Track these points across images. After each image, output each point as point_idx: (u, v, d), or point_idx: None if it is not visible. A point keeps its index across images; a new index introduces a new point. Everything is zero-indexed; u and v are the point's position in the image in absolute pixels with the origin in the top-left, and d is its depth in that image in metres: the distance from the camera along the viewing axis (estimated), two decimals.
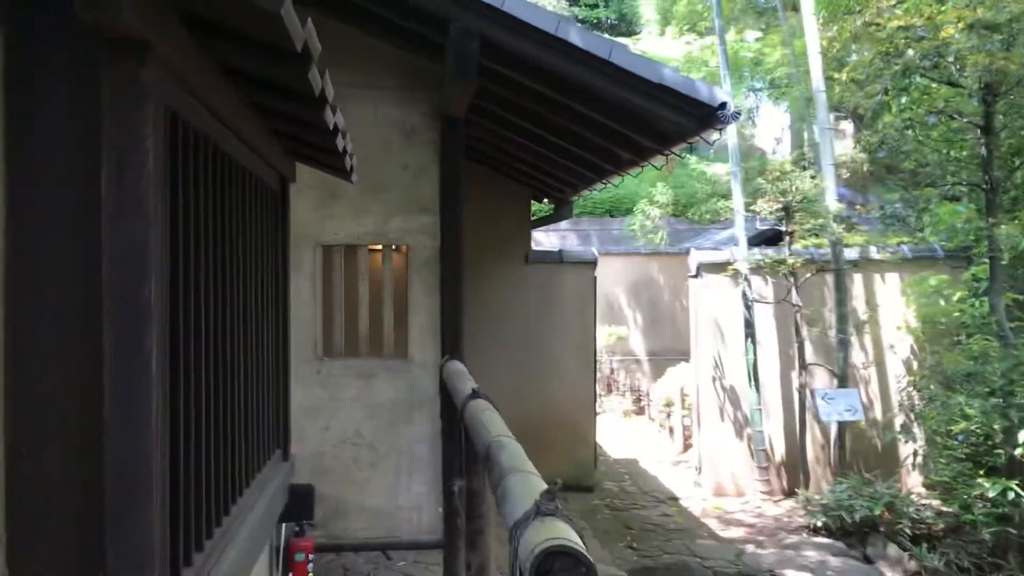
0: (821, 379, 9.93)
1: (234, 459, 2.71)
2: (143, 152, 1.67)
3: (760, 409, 9.90)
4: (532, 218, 11.10)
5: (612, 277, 18.13)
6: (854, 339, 9.90)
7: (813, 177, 10.15)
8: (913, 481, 9.55)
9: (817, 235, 9.64)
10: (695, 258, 10.41)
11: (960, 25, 7.84)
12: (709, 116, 4.99)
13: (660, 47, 23.56)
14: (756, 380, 9.88)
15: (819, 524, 8.43)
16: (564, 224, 20.39)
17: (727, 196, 11.06)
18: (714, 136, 5.42)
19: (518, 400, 9.81)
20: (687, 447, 12.43)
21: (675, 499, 10.00)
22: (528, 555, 1.50)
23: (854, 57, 11.09)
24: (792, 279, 9.72)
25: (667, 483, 10.80)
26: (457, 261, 5.83)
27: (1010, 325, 8.65)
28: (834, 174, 10.21)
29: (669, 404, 14.07)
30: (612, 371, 18.15)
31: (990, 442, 7.77)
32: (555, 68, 5.03)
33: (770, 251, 10.25)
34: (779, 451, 10.13)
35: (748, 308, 9.91)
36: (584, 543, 1.60)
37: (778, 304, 10.05)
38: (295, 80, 2.06)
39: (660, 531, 8.54)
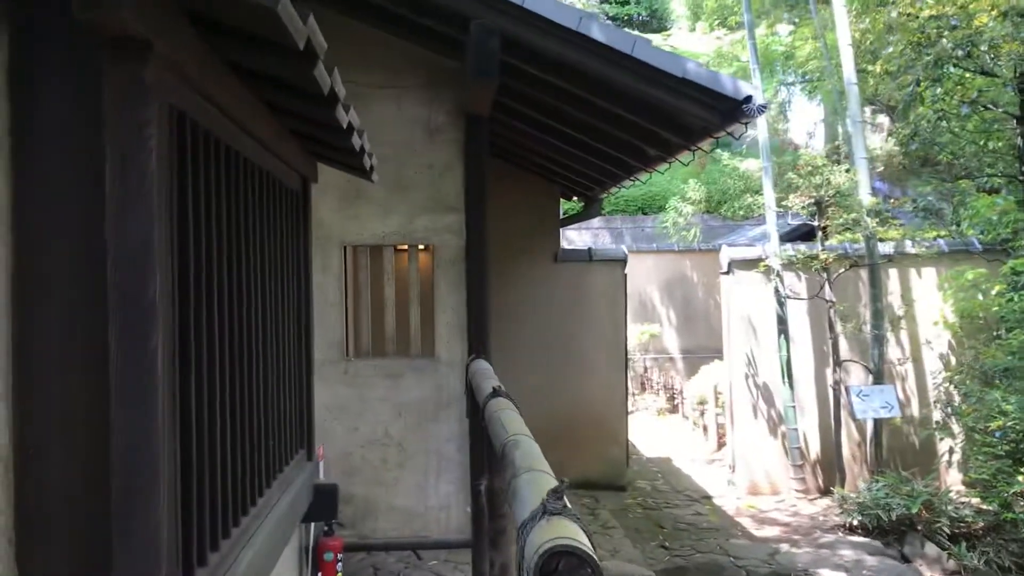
0: (856, 375, 9.79)
1: (253, 459, 2.71)
2: (146, 152, 1.67)
3: (794, 406, 9.78)
4: (562, 216, 11.07)
5: (645, 275, 18.04)
6: (890, 335, 9.75)
7: (847, 171, 10.02)
8: (952, 478, 9.39)
9: (850, 230, 9.50)
10: (726, 255, 10.31)
11: (993, 13, 7.69)
12: (734, 110, 4.92)
13: (691, 43, 23.42)
14: (790, 377, 9.76)
15: (855, 523, 8.31)
16: (596, 222, 20.36)
17: (760, 192, 10.95)
18: (740, 130, 5.35)
19: (549, 399, 9.80)
20: (721, 445, 12.32)
21: (708, 498, 9.92)
22: (533, 555, 1.48)
23: (889, 49, 10.92)
24: (825, 275, 9.59)
25: (701, 482, 10.72)
26: (482, 259, 5.82)
27: None
28: (869, 167, 10.07)
29: (703, 402, 13.97)
30: (646, 369, 18.05)
31: None
32: (578, 64, 5.00)
33: (802, 246, 10.12)
34: (814, 449, 10.00)
35: (781, 304, 9.80)
36: (591, 542, 1.58)
37: (811, 300, 9.93)
38: (302, 79, 2.05)
39: (693, 530, 8.47)
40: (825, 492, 9.81)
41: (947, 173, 10.17)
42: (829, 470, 9.85)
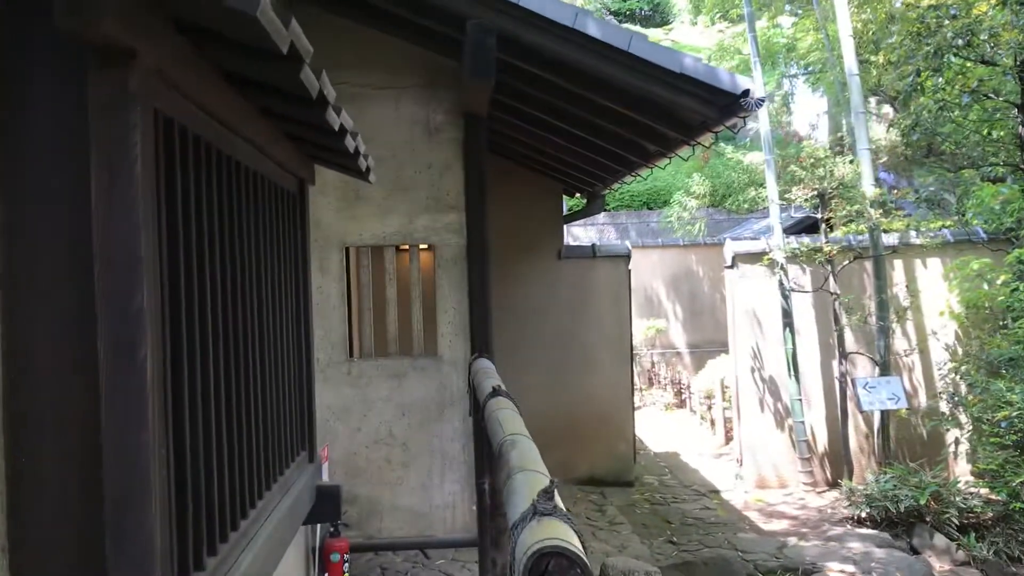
0: (863, 367, 9.77)
1: (251, 462, 2.72)
2: (132, 159, 1.67)
3: (800, 399, 9.77)
4: (565, 213, 11.07)
5: (651, 270, 18.05)
6: (895, 326, 9.72)
7: (851, 162, 9.99)
8: (961, 469, 9.37)
9: (854, 221, 9.48)
10: (730, 249, 10.30)
11: (993, 1, 7.65)
12: (732, 104, 4.91)
13: (692, 36, 23.41)
14: (796, 370, 9.75)
15: (863, 515, 8.30)
16: (601, 217, 20.39)
17: (764, 185, 10.92)
18: (739, 124, 5.34)
19: (555, 396, 9.82)
20: (728, 439, 12.31)
21: (716, 492, 9.91)
22: (522, 556, 1.48)
23: (892, 39, 10.89)
24: (829, 267, 9.57)
25: (708, 476, 10.71)
26: (484, 258, 5.82)
27: None
28: (873, 158, 10.04)
29: (710, 396, 13.97)
30: (653, 364, 18.05)
31: None
32: (575, 61, 5.00)
33: (806, 239, 10.11)
34: (821, 441, 9.99)
35: (785, 297, 9.79)
36: (582, 543, 1.58)
37: (816, 293, 9.91)
38: (290, 82, 2.05)
39: (701, 525, 8.47)
40: (833, 485, 9.80)
41: (951, 163, 10.12)
42: (837, 463, 9.84)
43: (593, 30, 4.80)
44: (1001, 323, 9.24)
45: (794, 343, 9.78)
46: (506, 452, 2.35)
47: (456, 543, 5.95)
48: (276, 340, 3.20)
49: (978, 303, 9.43)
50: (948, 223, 10.13)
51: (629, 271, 10.26)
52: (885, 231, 9.56)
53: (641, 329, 16.92)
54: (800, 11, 17.41)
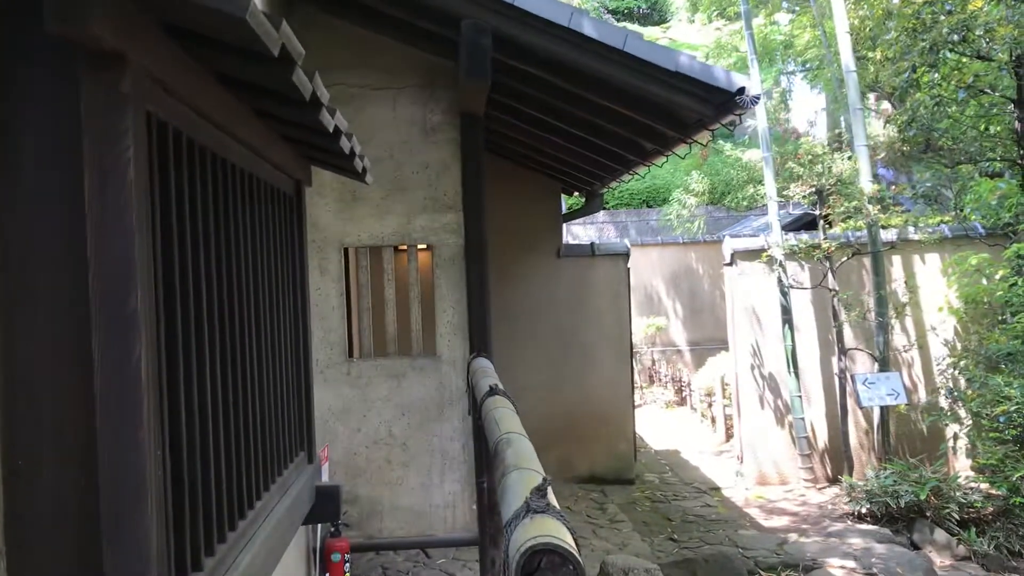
0: (862, 364, 9.79)
1: (249, 463, 2.73)
2: (124, 162, 1.68)
3: (800, 396, 9.78)
4: (564, 212, 11.09)
5: (650, 268, 18.08)
6: (895, 322, 9.74)
7: (849, 158, 10.00)
8: (961, 464, 9.38)
9: (852, 218, 9.49)
10: (729, 246, 10.31)
11: None
12: (728, 102, 4.92)
13: (690, 34, 23.41)
14: (795, 367, 9.76)
15: (864, 511, 8.31)
16: (601, 216, 20.41)
17: (763, 182, 10.94)
18: (736, 122, 5.35)
19: (555, 395, 9.84)
20: (729, 437, 12.33)
21: (717, 489, 9.93)
22: (515, 553, 1.49)
23: (889, 36, 10.90)
24: (828, 263, 9.58)
25: (709, 473, 10.72)
26: (482, 258, 5.83)
27: None
28: (872, 154, 10.05)
29: (710, 394, 13.98)
30: (653, 362, 18.07)
31: None
32: (570, 61, 5.01)
33: (804, 236, 10.12)
34: (821, 438, 10.00)
35: (784, 294, 9.80)
36: (575, 540, 1.58)
37: (815, 289, 9.93)
38: (283, 84, 2.06)
39: (701, 522, 8.48)
40: (833, 481, 9.82)
41: (948, 158, 10.14)
42: (837, 459, 9.85)
43: (588, 29, 4.80)
44: (1000, 318, 9.25)
45: (793, 340, 9.79)
46: (501, 450, 2.36)
47: (457, 542, 5.96)
48: (273, 341, 3.21)
49: (977, 298, 9.44)
50: (946, 219, 10.15)
51: (628, 269, 10.28)
52: (883, 227, 9.58)
53: (641, 327, 16.94)
54: (797, 8, 17.41)
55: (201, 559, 2.16)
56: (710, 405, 14.00)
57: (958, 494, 7.93)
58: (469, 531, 5.80)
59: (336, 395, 5.80)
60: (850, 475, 9.32)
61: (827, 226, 10.01)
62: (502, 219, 9.30)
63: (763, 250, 9.95)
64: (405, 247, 5.99)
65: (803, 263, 10.02)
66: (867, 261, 9.76)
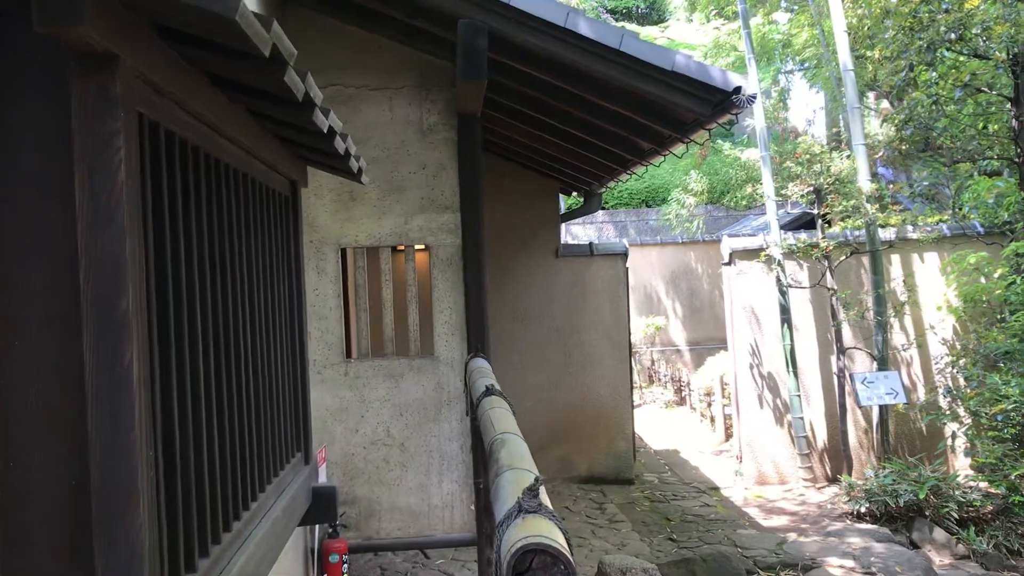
0: (861, 363, 9.79)
1: (244, 464, 2.73)
2: (115, 164, 1.68)
3: (799, 395, 9.78)
4: (563, 212, 11.09)
5: (650, 268, 18.09)
6: (893, 321, 9.74)
7: (848, 157, 10.00)
8: (961, 463, 9.38)
9: (851, 217, 9.50)
10: (727, 245, 10.31)
11: None
12: (724, 101, 4.93)
13: (688, 34, 23.40)
14: (794, 366, 9.76)
15: (863, 510, 8.31)
16: (600, 216, 20.42)
17: (761, 181, 10.94)
18: (733, 120, 5.35)
19: (554, 394, 9.84)
20: (728, 436, 12.33)
21: (716, 489, 9.92)
22: (506, 553, 1.49)
23: (889, 35, 10.90)
24: (826, 262, 9.58)
25: (708, 473, 10.72)
26: (479, 258, 5.83)
27: None
28: (871, 153, 10.05)
29: (709, 393, 13.98)
30: (653, 362, 18.08)
31: None
32: (567, 60, 5.01)
33: (803, 235, 10.12)
34: (821, 437, 10.00)
35: (783, 294, 9.80)
36: (568, 543, 1.58)
37: (813, 288, 9.93)
38: (276, 85, 2.06)
39: (700, 522, 8.48)
40: (833, 480, 9.82)
41: (947, 157, 10.14)
42: (836, 458, 9.85)
43: (584, 29, 4.81)
44: (999, 316, 9.25)
45: (792, 339, 9.79)
46: (496, 450, 2.36)
47: (455, 542, 5.96)
48: (269, 342, 3.21)
49: (975, 297, 9.44)
50: (944, 217, 10.15)
51: (627, 269, 10.28)
52: (882, 226, 9.58)
53: (641, 327, 16.95)
54: (795, 7, 17.41)
55: (195, 560, 2.16)
56: (709, 405, 14.00)
57: (957, 493, 7.93)
58: (467, 531, 5.80)
59: (334, 396, 5.80)
60: (849, 474, 9.32)
61: (826, 225, 10.02)
62: (500, 219, 9.31)
63: (761, 249, 9.96)
64: (403, 247, 5.99)
65: (802, 262, 10.03)
66: (866, 260, 9.76)
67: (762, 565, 7.03)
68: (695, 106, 5.04)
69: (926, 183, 10.74)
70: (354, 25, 5.84)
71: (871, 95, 17.09)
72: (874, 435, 9.53)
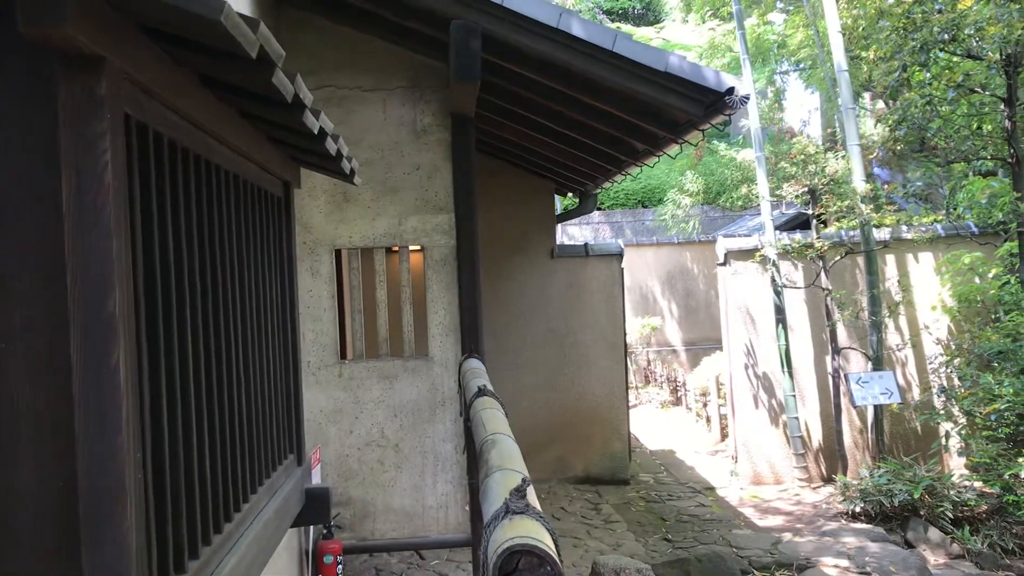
0: (856, 363, 9.80)
1: (235, 466, 2.72)
2: (101, 165, 1.67)
3: (794, 395, 9.79)
4: (559, 212, 11.09)
5: (646, 268, 18.09)
6: (888, 321, 9.75)
7: (843, 157, 10.01)
8: (956, 463, 9.39)
9: (844, 217, 9.51)
10: (722, 246, 10.32)
11: None
12: (717, 102, 4.93)
13: (683, 34, 23.43)
14: (789, 366, 9.77)
15: (858, 510, 8.32)
16: (596, 216, 20.44)
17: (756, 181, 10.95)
18: (728, 121, 5.36)
19: (549, 395, 9.85)
20: (724, 436, 12.34)
21: (712, 489, 9.93)
22: (493, 554, 1.49)
23: (883, 35, 10.92)
24: (821, 263, 9.60)
25: (704, 473, 10.73)
26: (473, 259, 5.83)
27: None
28: (866, 154, 10.06)
29: (705, 393, 13.99)
30: (649, 362, 18.08)
31: None
32: (560, 61, 5.01)
33: (798, 235, 10.14)
34: (816, 437, 10.01)
35: (778, 294, 9.81)
36: (555, 544, 1.58)
37: (808, 289, 9.94)
38: (263, 86, 2.06)
39: (696, 522, 8.48)
40: (828, 480, 9.83)
41: (942, 157, 10.16)
42: (831, 458, 9.87)
43: (577, 30, 4.81)
44: (993, 316, 9.27)
45: (787, 339, 9.80)
46: (486, 451, 2.36)
47: (450, 543, 5.96)
48: (261, 344, 3.21)
49: (970, 297, 9.46)
50: (939, 217, 10.17)
51: (622, 269, 10.29)
52: (877, 226, 9.59)
53: (637, 327, 16.95)
54: (791, 8, 17.42)
55: (184, 561, 2.16)
56: (705, 405, 14.01)
57: (952, 493, 7.95)
58: (462, 532, 5.80)
59: (328, 397, 5.80)
60: (844, 474, 9.33)
61: (821, 225, 10.03)
62: (496, 220, 9.31)
63: (757, 250, 9.97)
64: (397, 248, 5.99)
65: (796, 263, 10.04)
66: (860, 260, 9.78)
67: (757, 565, 7.04)
68: (688, 107, 5.04)
69: (919, 183, 10.76)
70: (348, 26, 5.84)
71: (867, 95, 17.12)
72: (869, 435, 9.55)
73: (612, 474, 10.02)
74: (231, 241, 2.78)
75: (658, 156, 6.83)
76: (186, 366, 2.25)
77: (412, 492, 5.84)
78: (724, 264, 10.28)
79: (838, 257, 9.71)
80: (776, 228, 10.33)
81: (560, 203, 11.84)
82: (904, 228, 9.93)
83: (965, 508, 7.85)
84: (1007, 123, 8.40)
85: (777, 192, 10.28)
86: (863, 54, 12.23)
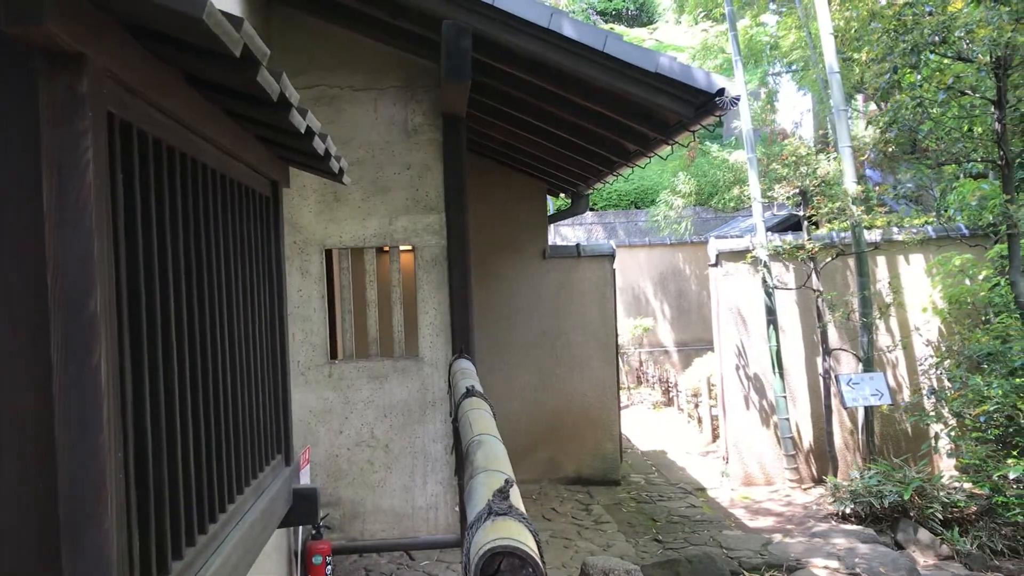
0: (847, 364, 9.81)
1: (220, 466, 2.71)
2: (83, 164, 1.66)
3: (785, 396, 9.80)
4: (551, 213, 11.09)
5: (638, 269, 18.10)
6: (879, 322, 9.77)
7: (834, 159, 10.03)
8: (946, 464, 9.41)
9: (835, 219, 9.53)
10: (714, 247, 10.33)
11: None
12: (708, 103, 4.94)
13: (676, 36, 23.45)
14: (780, 367, 9.78)
15: (848, 511, 8.33)
16: (589, 217, 20.43)
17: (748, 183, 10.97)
18: (719, 122, 5.37)
19: (541, 396, 9.84)
20: (715, 437, 12.35)
21: (702, 490, 9.94)
22: (475, 556, 1.48)
23: (875, 37, 10.94)
24: (812, 264, 9.61)
25: (695, 474, 10.73)
26: (464, 259, 5.83)
27: None
28: (858, 156, 10.07)
29: (696, 394, 14.00)
30: (641, 363, 18.09)
31: (1015, 424, 7.61)
32: (551, 61, 5.01)
33: (789, 236, 10.15)
34: (807, 438, 10.02)
35: (769, 295, 9.83)
36: (538, 545, 1.58)
37: (799, 290, 9.95)
38: (247, 85, 2.05)
39: (686, 523, 8.49)
40: (818, 481, 9.84)
41: (933, 160, 10.19)
42: (822, 459, 9.88)
43: (568, 30, 4.81)
44: (983, 318, 9.29)
45: (778, 340, 9.81)
46: (472, 452, 2.35)
47: (439, 544, 5.95)
48: (248, 344, 3.20)
49: (960, 299, 9.48)
50: (929, 219, 10.19)
51: (614, 270, 10.29)
52: (867, 228, 9.61)
53: (629, 328, 16.96)
54: (783, 9, 17.46)
55: (168, 562, 2.15)
56: (696, 406, 14.02)
57: (942, 494, 7.96)
58: (452, 533, 5.79)
59: (318, 397, 5.78)
60: (835, 475, 9.35)
61: (812, 227, 10.04)
62: (487, 220, 9.30)
63: (748, 251, 9.98)
64: (387, 248, 5.98)
65: (788, 264, 10.05)
66: (851, 262, 9.79)
67: (747, 566, 7.04)
68: (679, 108, 5.05)
69: (910, 185, 10.78)
70: (339, 25, 5.83)
71: (859, 97, 17.14)
72: (859, 436, 9.56)
73: (603, 475, 10.02)
74: (218, 240, 2.77)
75: (650, 157, 6.84)
76: (170, 366, 2.24)
77: (402, 492, 5.83)
78: (716, 265, 10.28)
79: (829, 258, 9.72)
80: (768, 229, 10.35)
81: (552, 204, 11.83)
82: (895, 230, 9.95)
83: (955, 509, 7.86)
84: (997, 125, 8.43)
85: (769, 194, 10.29)
86: (855, 56, 12.26)
